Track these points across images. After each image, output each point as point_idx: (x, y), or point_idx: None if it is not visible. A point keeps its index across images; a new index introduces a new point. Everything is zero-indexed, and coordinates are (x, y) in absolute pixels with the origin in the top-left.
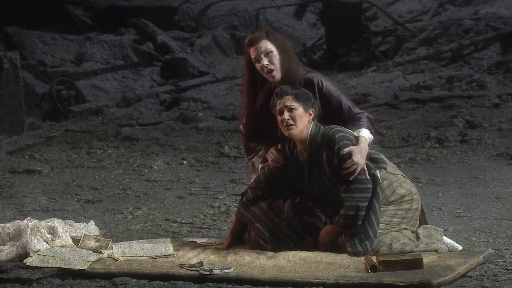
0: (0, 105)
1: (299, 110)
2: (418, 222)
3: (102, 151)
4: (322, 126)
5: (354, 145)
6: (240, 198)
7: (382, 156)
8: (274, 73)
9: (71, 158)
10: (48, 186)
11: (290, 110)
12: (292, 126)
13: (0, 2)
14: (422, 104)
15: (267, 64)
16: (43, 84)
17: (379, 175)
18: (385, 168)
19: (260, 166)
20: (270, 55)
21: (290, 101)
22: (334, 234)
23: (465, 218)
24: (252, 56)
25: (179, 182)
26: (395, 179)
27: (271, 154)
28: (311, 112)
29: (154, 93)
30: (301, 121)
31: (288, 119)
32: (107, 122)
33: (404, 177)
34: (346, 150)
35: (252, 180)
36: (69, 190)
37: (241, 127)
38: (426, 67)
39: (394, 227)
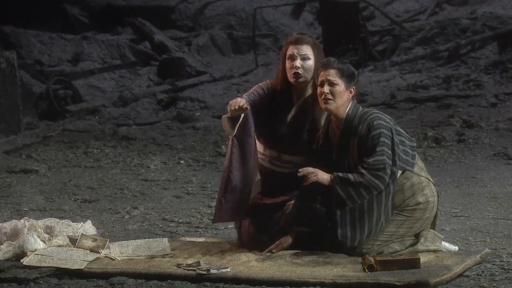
0: None
1: (341, 86)
2: (428, 227)
3: (99, 150)
4: (360, 108)
5: (392, 134)
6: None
7: (415, 153)
8: (300, 77)
9: (68, 158)
10: (45, 185)
11: (331, 84)
12: (330, 101)
13: None
14: (419, 104)
15: (298, 67)
16: (40, 84)
17: (398, 174)
18: (410, 170)
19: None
20: (305, 61)
21: (333, 76)
22: (319, 179)
23: (462, 218)
24: (289, 53)
25: (176, 182)
26: (418, 181)
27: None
28: (352, 90)
29: (151, 93)
30: (340, 97)
31: (327, 93)
32: (104, 122)
33: (429, 180)
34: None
35: None
36: (66, 190)
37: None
38: (423, 67)
39: (397, 238)
